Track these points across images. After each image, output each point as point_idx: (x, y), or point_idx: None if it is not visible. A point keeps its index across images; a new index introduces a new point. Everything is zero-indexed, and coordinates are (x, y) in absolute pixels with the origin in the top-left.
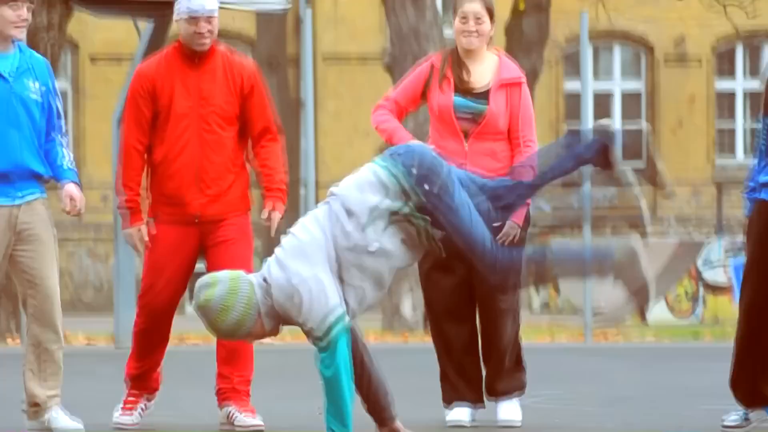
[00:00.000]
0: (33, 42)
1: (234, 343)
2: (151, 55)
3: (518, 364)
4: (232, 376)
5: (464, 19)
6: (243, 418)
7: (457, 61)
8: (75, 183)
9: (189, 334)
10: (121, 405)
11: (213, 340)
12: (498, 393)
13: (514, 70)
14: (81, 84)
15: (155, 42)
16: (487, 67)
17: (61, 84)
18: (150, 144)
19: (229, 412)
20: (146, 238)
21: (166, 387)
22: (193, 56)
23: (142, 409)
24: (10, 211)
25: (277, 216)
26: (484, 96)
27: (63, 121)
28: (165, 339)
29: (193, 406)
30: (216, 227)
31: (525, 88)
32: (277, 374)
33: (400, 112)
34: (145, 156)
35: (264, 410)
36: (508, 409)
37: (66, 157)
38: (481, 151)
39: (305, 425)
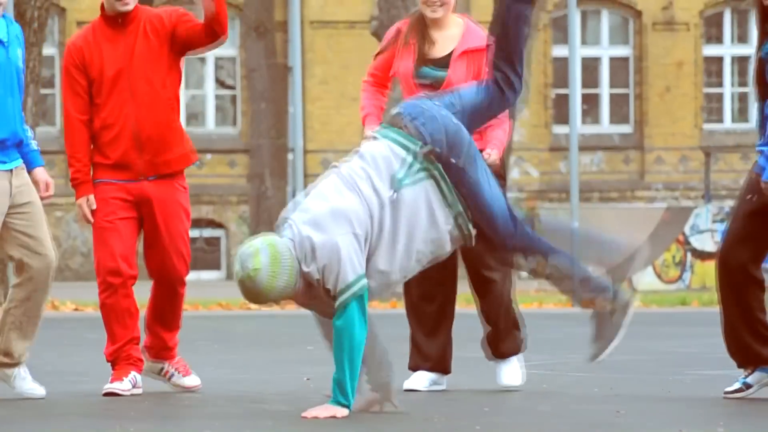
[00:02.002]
0: (20, 6)
1: (168, 308)
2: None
3: (514, 325)
4: (164, 336)
5: None
6: (185, 379)
7: (422, 30)
8: (42, 165)
9: None
10: (111, 376)
11: (202, 307)
12: (498, 354)
13: (479, 39)
14: None
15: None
16: (452, 35)
17: (49, 48)
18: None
19: (165, 369)
20: (93, 206)
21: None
22: (116, 20)
23: (132, 379)
24: (6, 177)
25: None
26: (444, 63)
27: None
28: (132, 311)
29: None
30: (158, 190)
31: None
32: (267, 340)
33: (382, 84)
34: (89, 126)
35: (253, 375)
36: (509, 373)
37: (32, 136)
38: None
39: (293, 391)
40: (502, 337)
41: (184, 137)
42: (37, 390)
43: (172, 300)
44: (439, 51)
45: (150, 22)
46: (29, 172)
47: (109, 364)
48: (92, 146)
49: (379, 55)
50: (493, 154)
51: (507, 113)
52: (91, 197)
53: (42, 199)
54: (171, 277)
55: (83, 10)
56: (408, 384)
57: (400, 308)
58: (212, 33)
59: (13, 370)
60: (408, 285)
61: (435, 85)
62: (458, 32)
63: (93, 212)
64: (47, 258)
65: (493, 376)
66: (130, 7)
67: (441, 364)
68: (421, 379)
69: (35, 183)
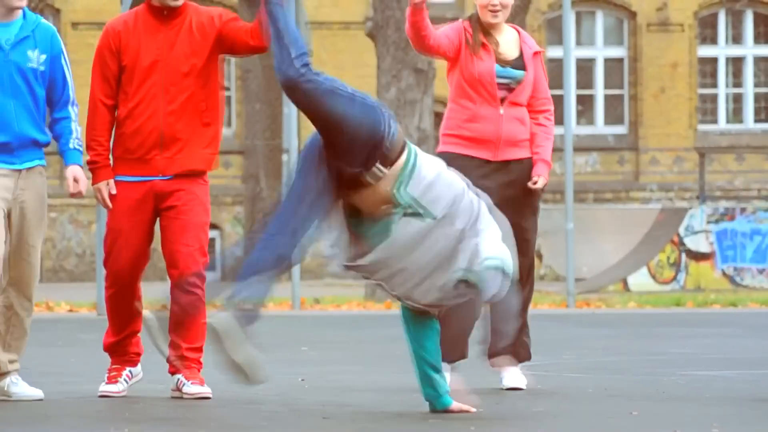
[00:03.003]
0: None
1: (183, 313)
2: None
3: (523, 332)
4: (182, 344)
5: None
6: (190, 386)
7: (486, 31)
8: (79, 165)
9: None
10: (106, 378)
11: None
12: (503, 360)
13: (534, 43)
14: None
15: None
16: (511, 39)
17: None
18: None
19: (178, 379)
20: (114, 191)
21: (149, 353)
22: (162, 12)
23: (127, 376)
24: (11, 178)
25: None
26: (518, 64)
27: (71, 90)
28: (136, 306)
29: None
30: (174, 190)
31: (542, 59)
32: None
33: (431, 34)
34: (114, 112)
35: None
36: (512, 376)
37: (74, 133)
38: (514, 116)
39: (288, 392)
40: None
41: (213, 140)
42: (35, 393)
43: (187, 301)
44: (507, 53)
45: (198, 19)
46: (65, 168)
47: (106, 351)
48: (113, 135)
49: (442, 34)
50: (539, 182)
51: (552, 119)
52: (111, 182)
53: (71, 195)
54: (186, 271)
55: (78, 11)
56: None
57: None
58: (258, 43)
59: (3, 381)
60: None
61: (510, 85)
62: (514, 37)
63: (110, 198)
64: (32, 264)
65: (486, 376)
66: (179, 3)
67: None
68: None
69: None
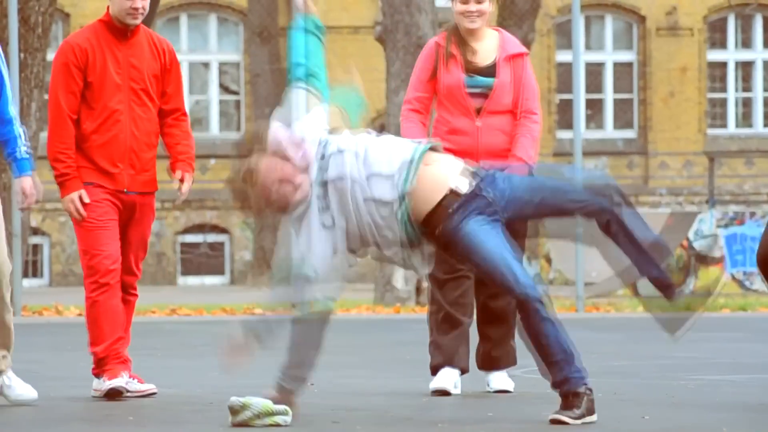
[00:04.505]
0: (24, 12)
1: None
2: (78, 30)
3: (512, 337)
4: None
5: (465, 1)
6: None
7: (461, 40)
8: (29, 175)
9: (180, 306)
10: (105, 377)
11: (206, 312)
12: (491, 365)
13: (517, 45)
14: None
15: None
16: (490, 44)
17: (53, 54)
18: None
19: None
20: (87, 200)
21: (158, 357)
22: (122, 31)
23: (128, 374)
24: None
25: (187, 187)
26: (491, 71)
27: (9, 91)
28: (121, 310)
29: (183, 377)
30: (136, 204)
31: (528, 60)
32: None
33: (425, 106)
34: (75, 126)
35: (256, 380)
36: (500, 379)
37: (21, 138)
38: (493, 126)
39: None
40: (499, 347)
41: (154, 162)
42: (29, 393)
43: (127, 306)
44: (482, 59)
45: (152, 42)
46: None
47: (98, 361)
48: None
49: (419, 75)
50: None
51: (539, 116)
52: (83, 191)
53: (22, 210)
54: (128, 280)
55: (87, 15)
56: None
57: (404, 314)
58: (169, 115)
59: None
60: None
61: (485, 93)
62: (495, 42)
63: (84, 206)
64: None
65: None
66: (138, 22)
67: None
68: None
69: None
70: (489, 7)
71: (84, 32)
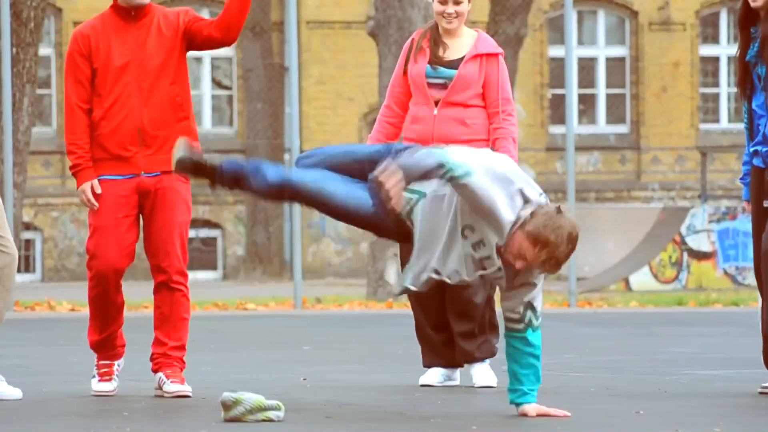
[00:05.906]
0: (16, 6)
1: (167, 309)
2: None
3: (491, 328)
4: (167, 342)
5: (444, 1)
6: (170, 385)
7: (436, 38)
8: None
9: None
10: (97, 374)
11: (198, 307)
12: (468, 358)
13: (491, 45)
14: (64, 49)
15: None
16: (465, 42)
17: (45, 49)
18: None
19: (160, 377)
20: (99, 191)
21: (148, 354)
22: (129, 13)
23: (117, 371)
24: None
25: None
26: (456, 64)
27: None
28: (120, 304)
29: None
30: (158, 187)
31: (502, 61)
32: (264, 341)
33: (402, 102)
34: (90, 115)
35: (249, 376)
36: (482, 373)
37: None
38: (450, 116)
39: (289, 391)
40: (473, 340)
41: (190, 134)
42: (12, 393)
43: (172, 298)
44: (452, 54)
45: (165, 19)
46: None
47: (92, 349)
48: (91, 138)
49: (396, 70)
50: None
51: (515, 127)
52: (95, 181)
53: None
54: (168, 269)
55: (79, 10)
56: (423, 379)
57: (396, 308)
58: (223, 35)
59: None
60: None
61: (446, 84)
62: (470, 41)
63: (95, 198)
64: (9, 256)
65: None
66: (146, 2)
67: (453, 359)
68: (435, 375)
69: None
70: (467, 8)
71: (92, 19)
